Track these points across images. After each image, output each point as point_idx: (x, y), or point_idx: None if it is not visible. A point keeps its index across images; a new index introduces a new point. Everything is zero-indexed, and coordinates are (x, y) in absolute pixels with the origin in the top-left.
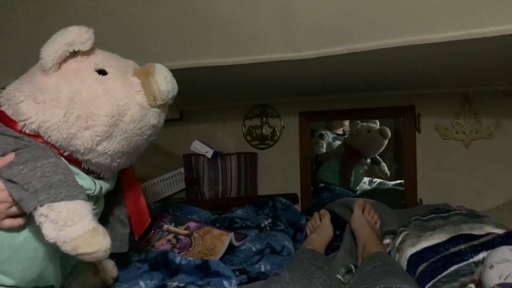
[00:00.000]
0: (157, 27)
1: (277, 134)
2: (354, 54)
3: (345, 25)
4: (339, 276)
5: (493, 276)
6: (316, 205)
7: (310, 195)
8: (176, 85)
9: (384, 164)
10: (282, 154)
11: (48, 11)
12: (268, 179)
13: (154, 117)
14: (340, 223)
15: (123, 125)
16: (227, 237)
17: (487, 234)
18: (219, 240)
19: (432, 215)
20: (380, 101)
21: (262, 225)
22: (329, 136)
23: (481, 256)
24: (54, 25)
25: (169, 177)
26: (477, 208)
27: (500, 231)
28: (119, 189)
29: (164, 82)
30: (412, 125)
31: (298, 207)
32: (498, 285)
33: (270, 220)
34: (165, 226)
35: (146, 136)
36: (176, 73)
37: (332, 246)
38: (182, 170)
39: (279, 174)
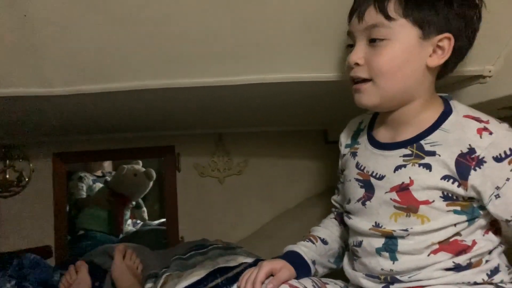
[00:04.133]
0: None
1: (25, 179)
2: (110, 94)
3: (99, 63)
4: None
5: None
6: (73, 257)
7: (67, 246)
8: None
9: (145, 209)
10: (32, 201)
11: None
12: (14, 232)
13: None
14: (100, 274)
15: None
16: None
17: (240, 264)
18: None
19: (192, 252)
20: (142, 141)
21: None
22: (89, 178)
23: (235, 286)
24: None
25: None
26: (232, 240)
27: (250, 260)
28: None
29: None
30: (173, 165)
31: (52, 261)
32: None
33: (13, 282)
34: None
35: None
36: None
37: None
38: None
39: (29, 225)
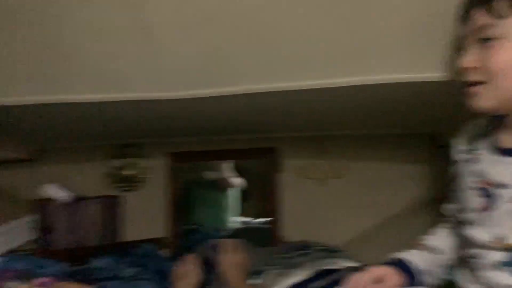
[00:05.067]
0: (10, 59)
1: (143, 175)
2: (221, 97)
3: (212, 68)
4: None
5: None
6: (184, 249)
7: (179, 238)
8: None
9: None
10: (149, 196)
11: None
12: (133, 223)
13: None
14: (208, 267)
15: None
16: None
17: (344, 268)
18: None
19: (295, 253)
20: (245, 142)
21: (126, 275)
22: None
23: None
24: None
25: (15, 226)
26: (333, 243)
27: (354, 264)
28: None
29: None
30: (274, 166)
31: (165, 252)
32: None
33: (134, 269)
34: (10, 284)
35: None
36: (29, 109)
37: None
38: (32, 217)
39: (146, 218)
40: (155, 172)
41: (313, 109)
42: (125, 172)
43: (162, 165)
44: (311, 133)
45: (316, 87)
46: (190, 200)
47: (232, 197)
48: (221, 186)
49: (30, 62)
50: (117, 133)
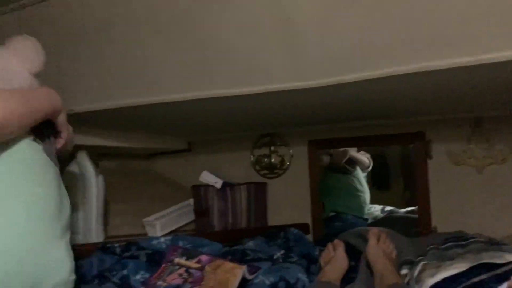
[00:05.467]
0: (162, 59)
1: (286, 163)
2: (363, 82)
3: (353, 53)
4: None
5: None
6: (328, 236)
7: (322, 225)
8: None
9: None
10: (292, 183)
11: None
12: (278, 209)
13: None
14: (355, 254)
15: None
16: (240, 270)
17: (509, 262)
18: (232, 274)
19: (450, 244)
20: (389, 128)
21: (275, 257)
22: None
23: (504, 286)
24: None
25: (178, 209)
26: (493, 235)
27: None
28: None
29: None
30: (423, 152)
31: (309, 237)
32: None
33: (282, 252)
34: (176, 260)
35: None
36: (182, 105)
37: (348, 278)
38: (191, 201)
39: (289, 203)
40: (296, 159)
41: (466, 89)
42: (270, 160)
43: (303, 153)
44: (465, 115)
45: (475, 63)
46: (331, 187)
47: (374, 185)
48: (362, 173)
49: (184, 61)
50: (262, 123)
